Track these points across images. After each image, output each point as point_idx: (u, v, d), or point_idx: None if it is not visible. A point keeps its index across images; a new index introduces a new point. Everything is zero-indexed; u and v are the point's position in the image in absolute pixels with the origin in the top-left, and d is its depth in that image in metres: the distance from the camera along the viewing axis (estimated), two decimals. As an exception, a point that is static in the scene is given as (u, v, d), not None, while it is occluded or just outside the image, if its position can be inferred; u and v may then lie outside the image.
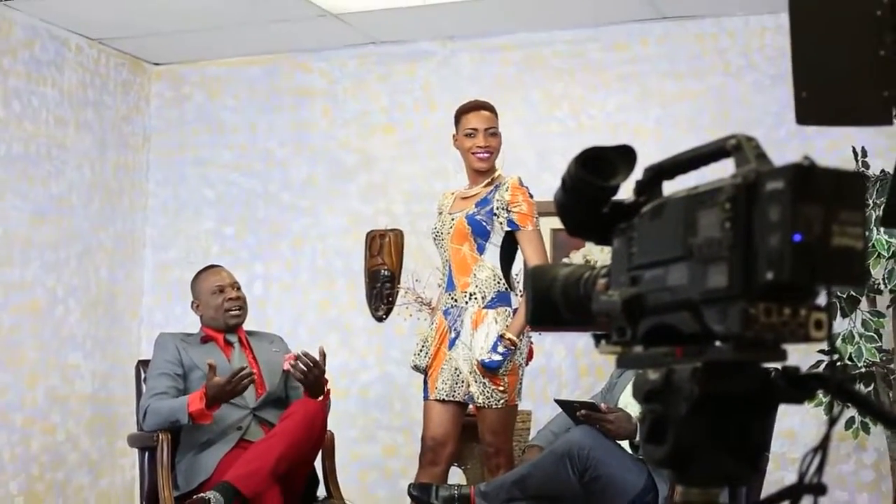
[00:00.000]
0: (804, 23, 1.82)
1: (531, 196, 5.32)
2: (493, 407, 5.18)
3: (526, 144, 6.97)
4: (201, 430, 5.18)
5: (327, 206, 7.52)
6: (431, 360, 5.35)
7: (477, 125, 5.40)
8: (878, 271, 5.55)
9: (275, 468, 4.89)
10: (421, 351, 5.42)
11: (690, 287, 1.31)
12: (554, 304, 1.60)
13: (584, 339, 6.89)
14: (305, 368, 5.16)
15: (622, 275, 1.46)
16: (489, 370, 5.13)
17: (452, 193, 5.62)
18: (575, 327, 1.61)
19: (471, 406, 5.31)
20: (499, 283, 5.28)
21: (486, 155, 5.38)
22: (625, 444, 4.83)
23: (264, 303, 7.44)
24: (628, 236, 1.47)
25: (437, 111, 7.07)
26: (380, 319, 7.29)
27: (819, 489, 1.32)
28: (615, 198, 1.51)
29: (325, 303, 7.46)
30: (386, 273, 7.24)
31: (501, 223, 5.26)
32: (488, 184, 5.40)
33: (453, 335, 5.29)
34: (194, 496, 4.83)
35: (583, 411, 4.92)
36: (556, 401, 5.31)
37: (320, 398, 5.24)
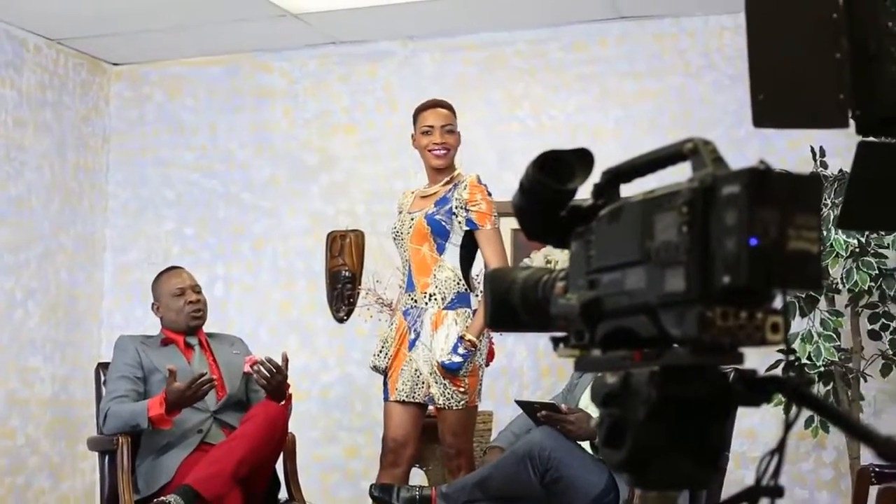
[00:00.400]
0: (760, 25, 1.82)
1: (490, 194, 5.32)
2: (454, 408, 5.18)
3: (487, 144, 6.97)
4: (161, 433, 5.16)
5: (288, 207, 7.50)
6: (391, 361, 5.34)
7: (433, 122, 5.40)
8: (836, 271, 5.59)
9: (236, 471, 4.87)
10: (381, 352, 5.40)
11: (648, 291, 1.31)
12: (512, 307, 1.60)
13: (544, 340, 6.85)
14: (268, 374, 5.15)
15: (580, 278, 1.46)
16: (449, 371, 5.13)
17: (412, 192, 5.61)
18: (533, 330, 1.61)
19: (431, 407, 5.31)
20: (458, 283, 5.28)
21: (442, 152, 5.38)
22: (585, 444, 4.83)
23: (225, 304, 7.42)
24: (586, 239, 1.47)
25: (399, 111, 7.06)
26: (341, 320, 7.27)
27: (776, 491, 1.32)
28: (573, 201, 1.51)
29: (286, 304, 7.44)
30: (347, 274, 7.23)
31: (460, 222, 5.25)
32: (447, 182, 5.39)
33: (413, 336, 5.28)
34: (155, 500, 4.81)
35: (543, 412, 4.91)
36: (517, 402, 5.31)
37: (282, 403, 5.22)
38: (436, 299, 5.25)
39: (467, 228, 5.26)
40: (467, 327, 5.19)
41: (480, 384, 5.31)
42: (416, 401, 5.26)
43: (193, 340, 5.49)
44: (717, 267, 1.21)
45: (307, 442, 6.51)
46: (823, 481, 6.27)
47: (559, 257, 5.72)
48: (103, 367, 5.54)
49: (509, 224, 6.13)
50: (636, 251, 1.33)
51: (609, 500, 4.64)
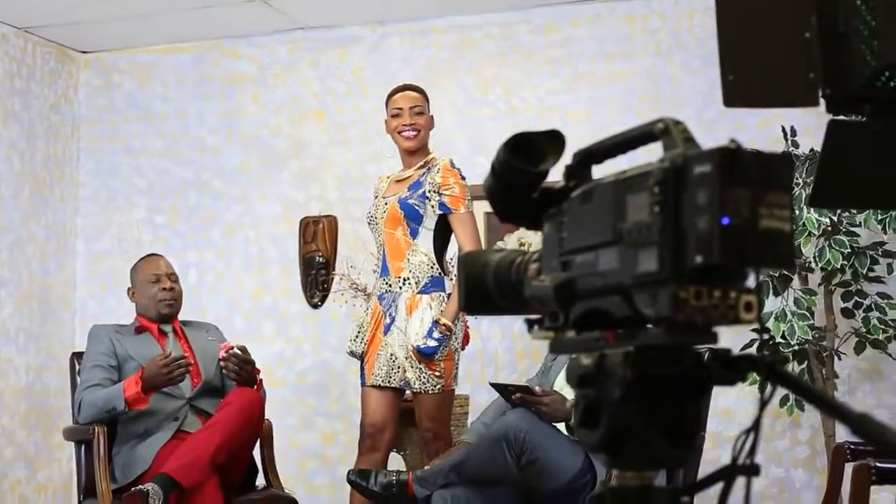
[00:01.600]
0: (730, 4, 1.83)
1: (463, 178, 5.32)
2: (430, 392, 5.19)
3: (458, 128, 6.97)
4: (138, 421, 5.16)
5: (260, 194, 7.48)
6: (367, 346, 5.34)
7: (402, 105, 5.41)
8: (809, 249, 5.60)
9: (213, 458, 4.87)
10: (357, 337, 5.40)
11: (621, 271, 1.31)
12: (486, 290, 1.60)
13: (519, 323, 6.85)
14: (237, 367, 5.15)
15: (553, 260, 1.46)
16: (425, 356, 5.14)
17: (388, 177, 5.61)
18: (508, 312, 1.62)
19: (408, 392, 5.31)
20: (432, 267, 5.28)
21: (411, 133, 5.37)
22: (561, 426, 4.84)
23: (199, 291, 7.39)
24: (558, 221, 1.47)
25: (369, 96, 7.05)
26: (315, 306, 7.26)
27: (752, 470, 1.33)
28: (545, 183, 1.51)
29: (260, 290, 7.42)
30: (320, 260, 7.21)
31: (433, 206, 5.26)
32: (422, 166, 5.39)
33: (388, 321, 5.28)
34: (133, 489, 4.80)
35: (518, 395, 4.91)
36: (492, 384, 5.31)
37: (254, 388, 5.23)
38: (410, 283, 5.25)
39: (440, 212, 5.26)
40: (442, 311, 5.19)
41: (457, 368, 5.32)
42: (393, 385, 5.26)
43: (167, 328, 5.48)
44: (690, 246, 1.21)
45: (284, 429, 6.51)
46: (799, 459, 6.30)
47: (533, 240, 5.73)
48: (78, 356, 5.52)
49: (482, 207, 6.14)
50: (609, 232, 1.33)
51: (585, 481, 4.65)
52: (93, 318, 7.00)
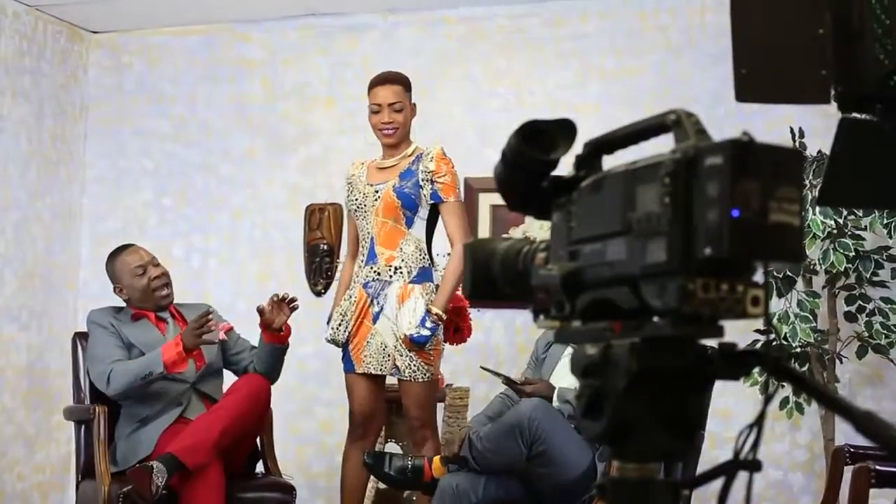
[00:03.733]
0: (744, 4, 1.82)
1: (454, 167, 5.33)
2: (419, 381, 5.22)
3: (467, 120, 6.96)
4: (141, 405, 5.18)
5: (266, 179, 7.48)
6: (353, 334, 5.35)
7: (381, 101, 5.38)
8: (813, 251, 5.60)
9: (218, 442, 4.88)
10: (340, 325, 5.40)
11: (629, 262, 1.31)
12: (493, 277, 1.60)
13: (522, 316, 6.90)
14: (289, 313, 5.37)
15: (561, 249, 1.46)
16: (417, 344, 5.15)
17: (363, 163, 5.59)
18: (513, 301, 1.61)
19: (390, 380, 5.37)
20: (423, 258, 5.29)
21: (391, 131, 5.37)
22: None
23: (202, 275, 7.40)
24: (567, 210, 1.46)
25: (378, 85, 7.04)
26: (318, 294, 7.23)
27: (754, 465, 1.33)
28: (555, 172, 1.51)
29: (264, 276, 7.42)
30: (325, 247, 7.18)
31: (426, 195, 5.26)
32: (409, 155, 5.38)
33: (377, 309, 5.28)
34: (138, 464, 4.82)
35: (503, 379, 5.09)
36: (482, 367, 5.41)
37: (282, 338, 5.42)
38: (402, 273, 5.26)
39: (432, 201, 5.26)
40: (432, 301, 5.20)
41: (441, 357, 5.37)
42: (382, 373, 5.29)
43: (165, 314, 5.45)
44: (699, 238, 1.21)
45: (284, 415, 6.51)
46: (798, 462, 6.30)
47: (538, 234, 5.72)
48: (80, 336, 5.51)
49: (489, 200, 6.14)
50: (618, 222, 1.33)
51: (593, 479, 4.66)
52: (95, 299, 6.98)
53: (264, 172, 7.49)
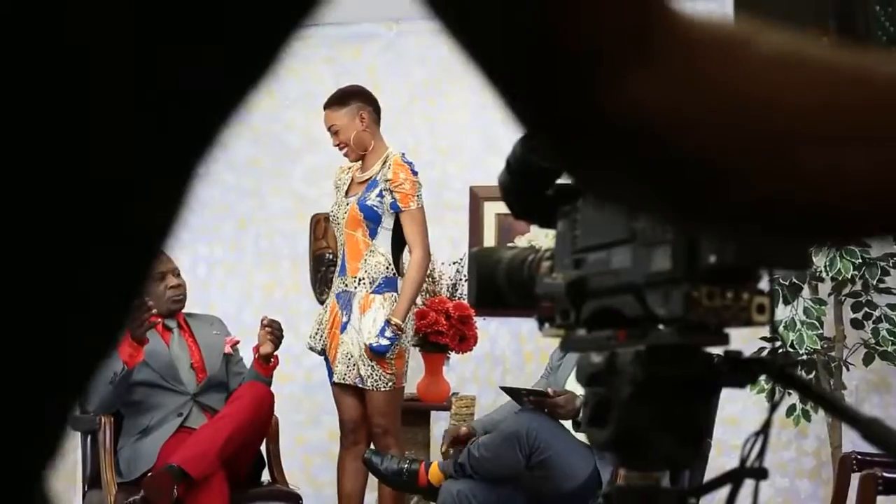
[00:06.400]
0: (748, 4, 1.82)
1: (415, 172, 5.36)
2: (381, 390, 5.32)
3: (472, 129, 6.96)
4: (142, 416, 5.18)
5: (272, 188, 7.49)
6: (328, 345, 5.46)
7: (325, 126, 5.56)
8: (820, 259, 5.59)
9: (222, 451, 4.89)
10: (316, 333, 5.54)
11: (634, 270, 1.30)
12: (498, 287, 1.60)
13: (528, 325, 6.88)
14: (280, 335, 5.35)
15: (566, 257, 1.45)
16: (377, 354, 5.25)
17: (349, 168, 5.64)
18: (519, 310, 1.61)
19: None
20: (388, 268, 5.36)
21: (344, 151, 5.50)
22: (568, 424, 4.85)
23: (208, 285, 7.40)
24: (572, 218, 1.46)
25: (383, 95, 7.00)
26: (324, 303, 7.26)
27: (760, 473, 1.32)
28: (560, 179, 1.50)
29: (270, 285, 7.43)
30: (330, 257, 7.21)
31: (387, 204, 5.30)
32: (381, 163, 5.44)
33: (345, 319, 5.39)
34: (150, 474, 4.82)
35: (531, 398, 4.94)
36: (503, 388, 5.32)
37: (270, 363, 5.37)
38: (364, 283, 5.35)
39: (392, 210, 5.30)
40: (393, 311, 5.23)
41: (406, 366, 5.46)
42: (348, 382, 5.39)
43: (172, 323, 5.45)
44: (704, 246, 1.20)
45: (291, 425, 6.51)
46: (805, 470, 6.29)
47: (544, 242, 5.72)
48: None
49: (494, 209, 6.13)
50: (622, 230, 1.33)
51: (594, 488, 4.66)
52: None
53: (269, 181, 7.50)
